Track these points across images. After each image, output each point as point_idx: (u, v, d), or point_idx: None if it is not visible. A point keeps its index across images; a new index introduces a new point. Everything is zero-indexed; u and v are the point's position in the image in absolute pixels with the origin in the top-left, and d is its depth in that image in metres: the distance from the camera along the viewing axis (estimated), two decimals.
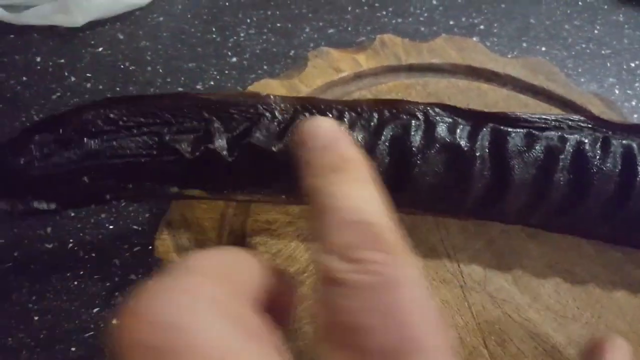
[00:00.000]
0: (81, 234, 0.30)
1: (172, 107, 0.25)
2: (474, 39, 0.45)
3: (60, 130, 0.24)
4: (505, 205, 0.27)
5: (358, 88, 0.36)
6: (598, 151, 0.26)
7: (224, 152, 0.24)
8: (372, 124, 0.26)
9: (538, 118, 0.27)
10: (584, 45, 0.46)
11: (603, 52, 0.46)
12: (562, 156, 0.26)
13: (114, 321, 0.20)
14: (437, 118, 0.26)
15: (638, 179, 0.26)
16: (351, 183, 0.18)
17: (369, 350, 0.14)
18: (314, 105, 0.26)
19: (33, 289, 0.29)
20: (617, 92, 0.43)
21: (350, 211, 0.17)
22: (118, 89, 0.37)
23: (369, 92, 0.35)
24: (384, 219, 0.17)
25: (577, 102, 0.37)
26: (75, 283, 0.29)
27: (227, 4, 0.43)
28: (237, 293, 0.16)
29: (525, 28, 0.46)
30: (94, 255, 0.30)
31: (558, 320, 0.27)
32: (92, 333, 0.27)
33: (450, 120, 0.26)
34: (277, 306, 0.18)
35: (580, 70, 0.44)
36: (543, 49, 0.45)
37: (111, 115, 0.24)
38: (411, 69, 0.38)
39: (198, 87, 0.37)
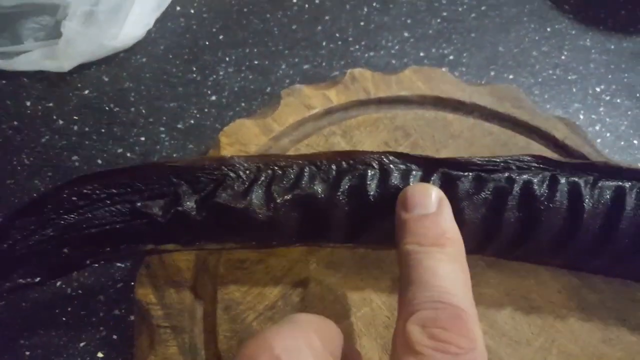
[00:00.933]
0: None
1: (141, 176, 0.27)
2: (443, 69, 0.47)
3: (39, 212, 0.25)
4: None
5: (329, 123, 0.38)
6: (545, 189, 0.28)
7: (193, 213, 0.26)
8: (330, 176, 0.28)
9: (487, 161, 0.29)
10: (550, 72, 0.48)
11: (569, 77, 0.48)
12: (511, 196, 0.28)
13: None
14: (391, 166, 0.28)
15: (585, 214, 0.28)
16: (448, 262, 0.21)
17: None
18: (275, 163, 0.28)
19: (24, 325, 0.31)
20: (581, 117, 0.45)
21: (443, 291, 0.19)
22: (103, 130, 0.39)
23: (339, 127, 0.37)
24: (471, 307, 0.19)
25: (542, 128, 0.39)
26: (63, 319, 0.31)
27: (207, 42, 0.45)
28: (328, 347, 0.19)
29: (493, 57, 0.48)
30: (80, 292, 0.32)
31: (512, 345, 0.29)
32: None
33: (404, 167, 0.28)
34: None
35: (546, 96, 0.46)
36: (511, 76, 0.47)
37: (85, 191, 0.26)
38: (380, 102, 0.40)
39: (179, 126, 0.39)
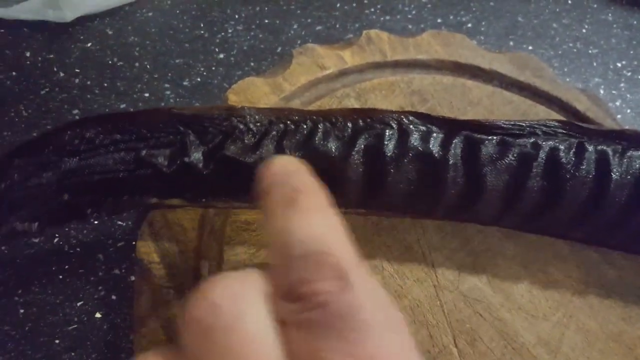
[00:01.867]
0: (67, 230, 0.31)
1: (147, 123, 0.25)
2: None
3: (40, 153, 0.24)
4: (479, 210, 0.28)
5: (342, 85, 0.36)
6: (572, 157, 0.27)
7: (200, 165, 0.25)
8: (346, 134, 0.26)
9: (512, 125, 0.27)
10: (571, 45, 0.46)
11: (590, 51, 0.46)
12: (536, 163, 0.26)
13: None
14: (411, 127, 0.27)
15: (612, 184, 0.27)
16: (303, 214, 0.17)
17: None
18: (288, 117, 0.26)
19: (19, 282, 0.29)
20: (602, 92, 0.44)
21: (297, 244, 0.16)
22: (106, 84, 0.37)
23: (353, 90, 0.35)
24: (335, 244, 0.16)
25: (562, 99, 0.38)
26: (60, 277, 0.29)
27: None
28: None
29: (512, 26, 0.47)
30: (78, 250, 0.30)
31: (529, 319, 0.28)
32: (75, 326, 0.28)
33: (424, 128, 0.27)
34: None
35: (566, 69, 0.44)
36: (530, 47, 0.45)
37: (87, 135, 0.24)
38: (397, 65, 0.38)
39: (185, 83, 0.38)
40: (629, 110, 0.43)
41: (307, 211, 0.17)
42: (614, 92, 0.44)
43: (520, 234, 0.30)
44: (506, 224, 0.29)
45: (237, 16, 0.43)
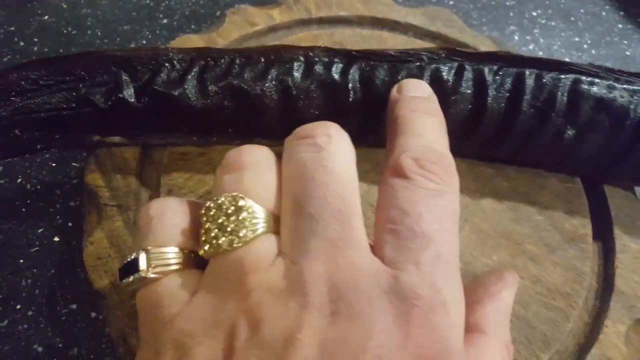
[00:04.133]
0: (28, 171, 0.35)
1: (84, 65, 0.29)
2: None
3: None
4: (381, 130, 0.32)
5: (272, 40, 0.40)
6: (453, 76, 0.31)
7: (132, 100, 0.29)
8: (259, 66, 0.30)
9: (401, 52, 0.31)
10: None
11: (507, 3, 0.51)
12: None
13: None
14: (316, 59, 0.31)
15: (489, 99, 0.31)
16: (438, 127, 0.25)
17: (401, 230, 0.19)
18: (208, 54, 0.30)
19: None
20: (516, 38, 0.48)
21: (433, 140, 0.23)
22: (61, 50, 0.41)
23: (281, 42, 0.39)
24: (451, 157, 0.23)
25: (470, 44, 0.42)
26: (23, 210, 0.34)
27: None
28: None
29: None
30: (39, 187, 0.35)
31: None
32: (37, 248, 0.32)
33: (327, 59, 0.31)
34: None
35: (483, 19, 0.49)
36: (451, 2, 0.50)
37: (32, 76, 0.28)
38: (321, 21, 0.42)
39: (131, 46, 0.42)
40: (541, 53, 0.47)
41: (441, 127, 0.25)
42: (527, 37, 0.48)
43: None
44: None
45: None
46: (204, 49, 0.31)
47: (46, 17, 0.44)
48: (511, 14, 0.49)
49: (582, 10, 0.51)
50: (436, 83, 0.30)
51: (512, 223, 0.32)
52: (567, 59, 0.47)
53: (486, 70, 0.31)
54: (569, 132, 0.31)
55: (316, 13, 0.42)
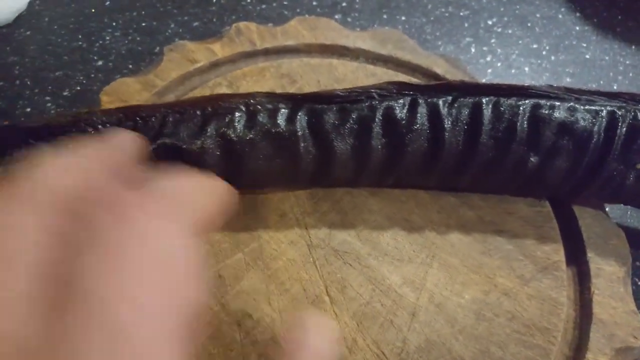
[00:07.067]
0: None
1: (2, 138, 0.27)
2: (337, 16, 0.48)
3: None
4: (336, 173, 0.30)
5: (216, 76, 0.38)
6: (407, 113, 0.29)
7: None
8: (195, 121, 0.28)
9: (349, 92, 0.29)
10: (442, 10, 0.49)
11: (461, 13, 0.49)
12: (374, 123, 0.29)
13: None
14: (258, 107, 0.29)
15: (446, 134, 0.29)
16: None
17: None
18: (137, 114, 0.28)
19: None
20: (473, 50, 0.46)
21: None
22: None
23: (225, 79, 0.37)
24: None
25: (423, 66, 0.40)
26: None
27: (93, 10, 0.44)
28: None
29: (386, 0, 0.49)
30: None
31: (395, 263, 0.30)
32: None
33: (270, 106, 0.29)
34: None
35: (438, 34, 0.47)
36: (403, 18, 0.48)
37: None
38: (267, 52, 0.40)
39: (65, 93, 0.39)
40: (499, 64, 0.46)
41: None
42: (484, 48, 0.47)
43: (384, 190, 0.32)
44: (365, 183, 0.32)
45: (114, 23, 0.44)
46: (132, 108, 0.28)
47: None
48: (466, 25, 0.48)
49: (538, 15, 0.50)
50: (390, 122, 0.29)
51: (482, 255, 0.31)
52: (526, 68, 0.45)
53: (440, 103, 0.29)
54: (532, 159, 0.29)
55: (261, 44, 0.40)
